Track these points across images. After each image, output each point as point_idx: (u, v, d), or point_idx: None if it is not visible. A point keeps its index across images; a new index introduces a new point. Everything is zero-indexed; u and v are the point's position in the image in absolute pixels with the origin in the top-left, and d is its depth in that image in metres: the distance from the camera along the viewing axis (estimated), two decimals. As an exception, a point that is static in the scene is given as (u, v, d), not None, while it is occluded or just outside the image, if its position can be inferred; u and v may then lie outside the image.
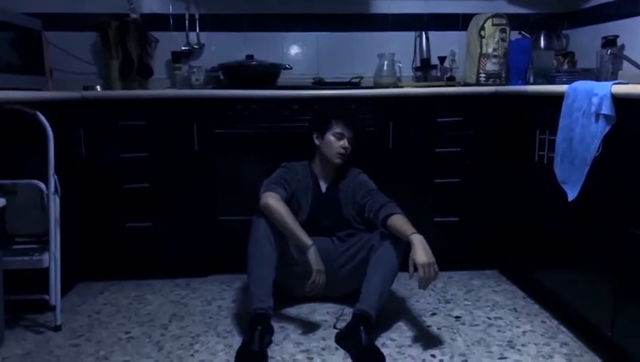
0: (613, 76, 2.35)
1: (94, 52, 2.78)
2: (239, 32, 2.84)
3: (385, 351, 1.75)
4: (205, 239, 2.42)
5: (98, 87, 2.53)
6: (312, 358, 1.72)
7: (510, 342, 1.84)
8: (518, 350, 1.78)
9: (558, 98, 1.81)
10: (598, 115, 1.56)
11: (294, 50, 2.90)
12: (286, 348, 1.79)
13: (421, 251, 1.75)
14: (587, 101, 1.63)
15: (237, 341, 1.81)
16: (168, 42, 2.78)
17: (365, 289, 1.84)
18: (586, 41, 2.75)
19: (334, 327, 1.92)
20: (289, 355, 1.74)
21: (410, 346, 1.80)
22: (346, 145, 2.09)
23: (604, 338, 1.67)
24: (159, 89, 2.60)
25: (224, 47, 2.82)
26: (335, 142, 2.09)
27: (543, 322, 1.99)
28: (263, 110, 2.34)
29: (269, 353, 1.74)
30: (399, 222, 1.88)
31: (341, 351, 1.76)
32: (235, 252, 2.42)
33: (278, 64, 2.66)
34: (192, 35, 2.81)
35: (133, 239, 2.37)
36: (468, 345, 1.81)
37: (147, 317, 2.06)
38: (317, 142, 2.14)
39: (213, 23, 2.82)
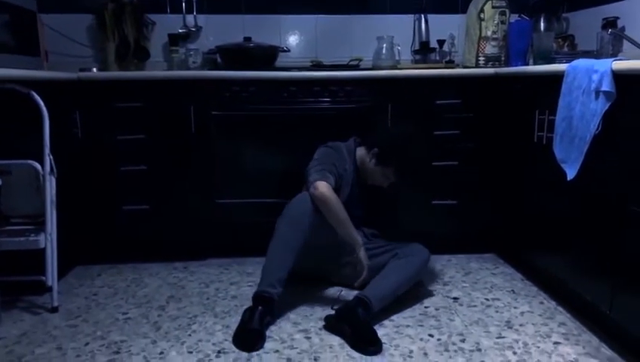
0: (613, 57, 2.33)
1: (90, 34, 2.75)
2: (237, 15, 2.81)
3: (383, 331, 1.75)
4: (203, 222, 2.41)
5: (94, 70, 2.50)
6: (309, 337, 1.72)
7: (508, 322, 1.83)
8: (516, 330, 1.78)
9: (558, 77, 1.79)
10: (598, 93, 1.55)
11: (292, 32, 2.87)
12: (284, 327, 1.79)
13: None
14: (587, 78, 1.61)
15: (234, 321, 1.80)
16: (165, 25, 2.76)
17: (375, 283, 1.85)
18: (585, 23, 2.72)
19: (332, 308, 1.91)
20: (287, 334, 1.74)
21: (408, 326, 1.80)
22: (385, 185, 2.06)
23: (603, 317, 1.67)
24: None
25: (221, 30, 2.79)
26: (380, 177, 2.03)
27: (541, 303, 1.99)
28: (260, 92, 2.32)
29: (267, 333, 1.73)
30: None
31: (339, 331, 1.76)
32: (233, 235, 2.45)
33: (275, 46, 2.64)
34: (190, 18, 2.78)
35: (130, 222, 2.37)
36: (466, 325, 1.81)
37: (144, 298, 2.05)
38: (371, 155, 2.03)
39: (211, 5, 2.79)
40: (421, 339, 1.71)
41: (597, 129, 1.56)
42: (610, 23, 2.35)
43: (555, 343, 1.69)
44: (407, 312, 1.90)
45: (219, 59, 2.70)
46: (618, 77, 1.48)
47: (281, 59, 2.70)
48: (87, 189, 2.31)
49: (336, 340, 1.71)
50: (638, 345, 1.54)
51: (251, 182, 2.38)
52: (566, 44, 2.77)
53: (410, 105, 2.34)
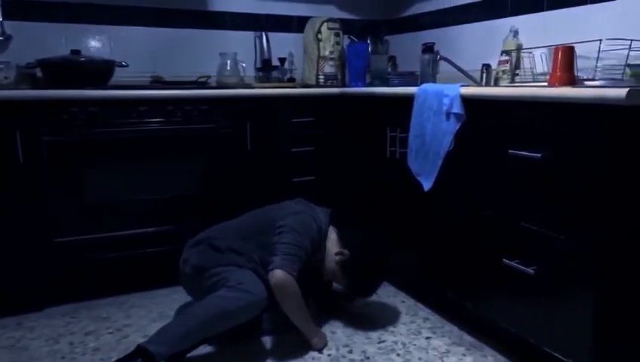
0: (432, 78, 2.69)
1: None
2: (56, 23, 2.46)
3: (272, 358, 1.73)
4: (37, 266, 2.05)
5: None
6: (201, 380, 1.61)
7: (383, 326, 1.97)
8: (392, 331, 1.92)
9: (407, 99, 1.99)
10: (449, 114, 1.77)
11: (125, 46, 2.61)
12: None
13: None
14: (437, 101, 1.83)
15: (107, 378, 1.58)
16: (-39, 31, 2.27)
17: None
18: (404, 46, 3.08)
19: None
20: (175, 382, 1.59)
21: (298, 347, 1.80)
22: (329, 279, 1.95)
23: (460, 308, 1.91)
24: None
25: (38, 40, 2.41)
26: (333, 271, 1.88)
27: (403, 301, 2.18)
28: (104, 113, 2.07)
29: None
30: None
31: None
32: (76, 277, 2.15)
33: (111, 61, 2.38)
34: (-5, 25, 2.34)
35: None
36: (348, 336, 1.89)
37: (-25, 372, 1.67)
38: (339, 252, 1.86)
39: (22, 10, 2.39)
40: (313, 358, 1.74)
41: (450, 146, 1.78)
42: (429, 48, 2.70)
43: (427, 338, 1.88)
44: (289, 335, 1.85)
45: (38, 74, 2.33)
46: (466, 100, 1.72)
47: (116, 76, 2.45)
48: None
49: (230, 377, 1.63)
50: (494, 329, 1.79)
51: (97, 214, 2.12)
52: (389, 64, 3.10)
53: (268, 124, 2.35)
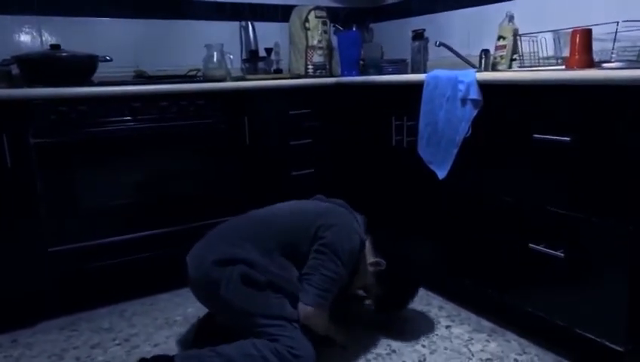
0: (423, 65, 2.68)
1: None
2: (28, 15, 2.28)
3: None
4: (30, 278, 1.91)
5: None
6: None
7: (400, 317, 1.94)
8: (411, 323, 1.90)
9: (415, 86, 1.96)
10: (464, 100, 1.75)
11: (104, 39, 2.45)
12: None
13: None
14: (451, 88, 1.80)
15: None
16: None
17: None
18: (387, 33, 3.04)
19: None
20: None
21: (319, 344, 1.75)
22: (358, 290, 1.82)
23: (480, 296, 1.90)
24: None
25: (10, 35, 2.23)
26: (368, 282, 1.75)
27: (414, 292, 2.17)
28: (94, 111, 1.94)
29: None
30: None
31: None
32: (73, 287, 2.02)
33: (95, 55, 2.23)
34: (-39, 18, 2.14)
35: None
36: (370, 332, 1.84)
37: (-24, 399, 1.53)
38: (375, 263, 1.71)
39: (-10, 2, 2.20)
40: (340, 356, 1.69)
41: (467, 133, 1.77)
42: (419, 35, 2.68)
43: (447, 326, 1.87)
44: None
45: (14, 72, 2.15)
46: (482, 86, 1.70)
47: (98, 72, 2.29)
48: None
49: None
50: (516, 313, 1.80)
51: (92, 219, 1.99)
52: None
53: (265, 117, 2.27)
